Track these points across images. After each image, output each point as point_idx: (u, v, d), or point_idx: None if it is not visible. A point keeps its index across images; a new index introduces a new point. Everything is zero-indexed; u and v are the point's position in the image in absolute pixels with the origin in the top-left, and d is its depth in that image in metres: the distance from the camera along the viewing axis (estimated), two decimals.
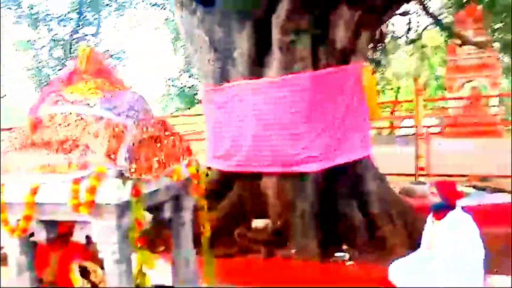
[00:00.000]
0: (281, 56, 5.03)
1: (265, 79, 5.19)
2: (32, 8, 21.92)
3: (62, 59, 22.13)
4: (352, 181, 4.97)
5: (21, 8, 21.51)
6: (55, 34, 22.03)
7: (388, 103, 16.41)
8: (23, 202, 2.65)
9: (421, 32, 16.41)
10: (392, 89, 24.95)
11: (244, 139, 5.26)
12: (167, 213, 3.18)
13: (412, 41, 19.63)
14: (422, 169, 5.62)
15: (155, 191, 2.85)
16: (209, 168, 5.61)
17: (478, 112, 13.76)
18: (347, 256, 4.46)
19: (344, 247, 4.68)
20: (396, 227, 4.56)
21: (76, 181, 2.55)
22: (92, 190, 2.48)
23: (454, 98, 16.19)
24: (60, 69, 24.12)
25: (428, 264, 3.21)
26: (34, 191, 2.65)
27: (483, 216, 4.38)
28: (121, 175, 2.55)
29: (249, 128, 5.23)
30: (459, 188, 3.66)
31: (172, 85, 24.54)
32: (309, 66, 5.00)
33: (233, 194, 5.37)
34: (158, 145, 3.06)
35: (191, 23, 5.52)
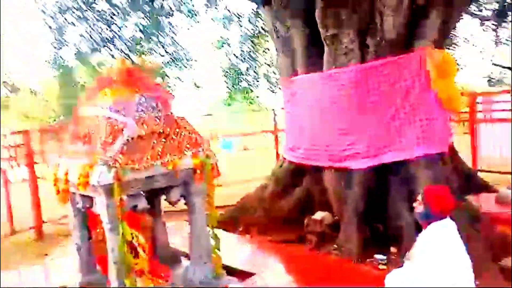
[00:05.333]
0: (327, 50, 4.92)
1: (316, 73, 5.15)
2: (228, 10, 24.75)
3: (250, 53, 24.63)
4: (405, 181, 4.51)
5: (217, 9, 24.55)
6: (245, 33, 24.52)
7: None
8: (62, 179, 3.65)
9: None
10: None
11: (305, 132, 5.36)
12: (173, 197, 3.78)
13: None
14: None
15: (149, 177, 3.47)
16: (284, 158, 5.93)
17: None
18: (385, 259, 4.18)
19: (392, 249, 4.38)
20: None
21: (83, 166, 3.37)
22: (86, 174, 3.27)
23: None
24: (249, 64, 26.73)
25: (412, 275, 2.94)
26: (67, 171, 3.61)
27: None
28: (107, 164, 3.25)
29: (307, 122, 5.30)
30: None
31: None
32: (355, 59, 4.72)
33: (303, 185, 5.55)
34: (163, 139, 3.67)
35: (267, 20, 5.85)
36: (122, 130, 3.46)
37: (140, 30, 20.12)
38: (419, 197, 2.94)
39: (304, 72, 5.44)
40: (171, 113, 3.87)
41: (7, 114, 18.03)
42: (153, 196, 4.28)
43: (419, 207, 2.93)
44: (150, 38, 20.73)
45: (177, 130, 3.77)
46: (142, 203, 3.56)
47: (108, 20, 18.90)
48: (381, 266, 4.17)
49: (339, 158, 4.96)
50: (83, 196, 3.72)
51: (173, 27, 21.48)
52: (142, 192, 4.02)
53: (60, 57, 19.07)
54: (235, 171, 9.06)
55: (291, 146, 5.75)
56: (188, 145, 3.75)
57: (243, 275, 4.17)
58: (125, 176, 3.28)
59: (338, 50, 4.85)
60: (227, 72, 26.31)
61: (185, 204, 3.96)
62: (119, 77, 3.80)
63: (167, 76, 22.88)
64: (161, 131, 3.65)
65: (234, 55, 26.90)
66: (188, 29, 22.79)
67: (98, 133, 3.48)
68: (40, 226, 6.54)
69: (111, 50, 19.74)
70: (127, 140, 3.43)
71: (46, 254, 5.67)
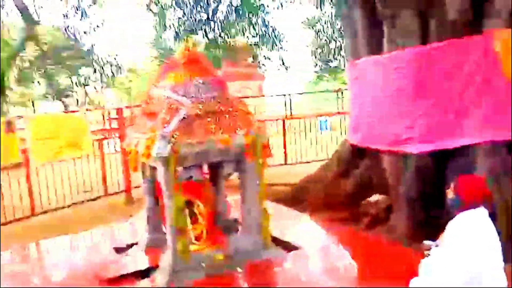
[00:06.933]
0: (387, 31, 4.76)
1: (376, 56, 5.03)
2: None
3: (341, 32, 24.08)
4: (463, 168, 4.27)
5: None
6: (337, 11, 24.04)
7: None
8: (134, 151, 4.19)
9: None
10: None
11: (365, 115, 5.31)
12: (226, 171, 4.13)
13: None
14: None
15: (202, 152, 3.84)
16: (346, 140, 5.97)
17: None
18: (432, 245, 4.07)
19: None
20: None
21: (147, 140, 3.86)
22: (148, 147, 3.74)
23: None
24: (340, 42, 26.17)
25: (438, 262, 2.94)
26: (137, 144, 4.14)
27: None
28: (164, 138, 3.68)
29: (367, 105, 5.24)
30: None
31: None
32: (415, 40, 4.52)
33: (363, 166, 5.56)
34: (217, 118, 4.00)
35: (335, 1, 5.84)
36: (179, 108, 3.88)
37: (233, 12, 20.91)
38: (452, 185, 2.92)
39: (366, 55, 5.42)
40: (227, 95, 4.21)
41: (112, 91, 20.12)
42: (215, 170, 4.70)
43: (450, 194, 2.92)
44: (243, 18, 21.43)
45: (230, 109, 4.09)
46: (197, 175, 3.97)
47: (204, 2, 19.97)
48: (426, 252, 4.11)
49: (395, 142, 4.91)
50: (150, 166, 4.25)
51: (264, 7, 21.91)
52: (204, 166, 4.47)
53: (161, 37, 20.67)
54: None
55: (353, 128, 5.79)
56: (240, 124, 4.06)
57: (292, 248, 4.42)
58: (181, 150, 3.70)
59: (397, 31, 4.75)
60: (317, 51, 26.06)
61: (238, 179, 4.31)
62: (182, 61, 4.22)
63: (266, 57, 23.40)
64: (216, 110, 4.00)
65: (325, 34, 26.50)
66: (280, 8, 23.05)
67: (160, 111, 3.94)
68: (129, 191, 7.44)
69: (205, 32, 20.86)
70: (183, 117, 3.84)
71: (131, 215, 6.48)
